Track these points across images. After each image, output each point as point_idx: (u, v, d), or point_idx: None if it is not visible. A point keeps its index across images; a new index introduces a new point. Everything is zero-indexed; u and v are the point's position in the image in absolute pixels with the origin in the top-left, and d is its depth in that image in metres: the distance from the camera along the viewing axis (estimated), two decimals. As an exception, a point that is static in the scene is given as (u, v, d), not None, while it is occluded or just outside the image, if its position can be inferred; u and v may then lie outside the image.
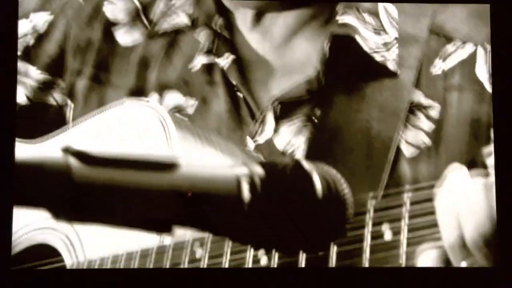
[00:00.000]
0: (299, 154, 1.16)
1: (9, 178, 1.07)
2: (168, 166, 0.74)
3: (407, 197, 0.86)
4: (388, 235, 0.86)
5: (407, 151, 1.16)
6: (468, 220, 0.74)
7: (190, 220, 0.76)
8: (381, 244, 0.86)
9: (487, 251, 0.74)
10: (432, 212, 0.83)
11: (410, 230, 0.85)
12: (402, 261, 0.84)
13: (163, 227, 0.75)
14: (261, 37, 1.24)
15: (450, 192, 0.79)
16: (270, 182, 0.76)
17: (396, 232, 0.86)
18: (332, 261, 0.90)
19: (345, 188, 0.78)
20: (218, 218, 0.75)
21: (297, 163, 0.78)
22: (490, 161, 1.15)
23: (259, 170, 0.77)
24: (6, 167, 1.07)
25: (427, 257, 0.79)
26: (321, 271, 1.09)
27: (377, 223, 0.88)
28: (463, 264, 0.78)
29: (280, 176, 0.77)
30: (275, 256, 0.94)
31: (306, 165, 0.78)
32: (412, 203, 0.86)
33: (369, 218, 0.88)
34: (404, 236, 0.85)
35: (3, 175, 1.08)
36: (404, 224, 0.85)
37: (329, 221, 0.77)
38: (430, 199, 0.84)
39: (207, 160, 1.08)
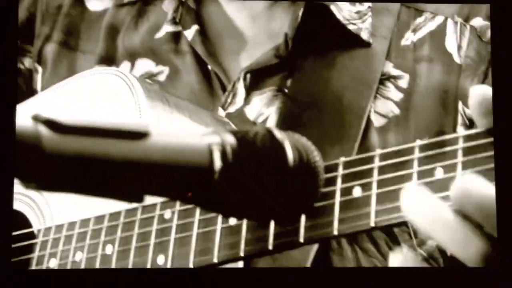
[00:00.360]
0: (270, 124, 1.16)
1: (10, 179, 1.06)
2: (138, 135, 0.73)
3: (377, 157, 0.86)
4: (357, 192, 0.87)
5: (376, 120, 1.16)
6: None
7: (160, 189, 0.76)
8: (351, 201, 0.87)
9: None
10: (403, 167, 0.83)
11: (380, 186, 0.85)
12: (372, 218, 0.84)
13: (133, 196, 0.74)
14: (241, 5, 1.23)
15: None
16: (241, 150, 0.76)
17: (366, 189, 0.86)
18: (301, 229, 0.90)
19: (316, 156, 0.79)
20: (188, 186, 0.75)
21: (269, 132, 0.78)
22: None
23: (230, 139, 0.77)
24: (5, 165, 1.06)
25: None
26: (320, 271, 1.11)
27: (346, 182, 0.88)
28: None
29: (252, 144, 0.77)
30: (245, 222, 0.94)
31: (278, 133, 0.78)
32: (381, 160, 0.86)
33: (338, 177, 0.88)
34: (374, 193, 0.85)
35: (3, 176, 1.07)
36: (374, 181, 0.86)
37: (301, 189, 0.77)
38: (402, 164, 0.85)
39: (178, 128, 1.08)
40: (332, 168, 0.89)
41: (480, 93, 0.78)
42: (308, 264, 1.09)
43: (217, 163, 0.75)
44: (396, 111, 1.17)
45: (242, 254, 0.94)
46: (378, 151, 0.87)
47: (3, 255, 1.03)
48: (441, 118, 1.16)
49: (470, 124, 1.16)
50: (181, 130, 1.01)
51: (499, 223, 0.84)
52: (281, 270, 1.10)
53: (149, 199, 1.03)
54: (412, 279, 1.03)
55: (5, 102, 1.08)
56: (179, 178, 0.75)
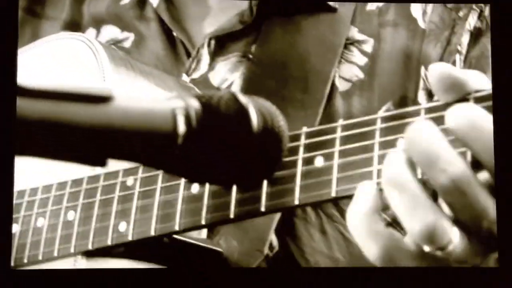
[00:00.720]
0: (235, 89, 1.16)
1: (10, 178, 1.05)
2: (101, 99, 0.73)
3: (340, 126, 0.86)
4: (319, 162, 0.87)
5: (341, 85, 1.16)
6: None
7: (124, 153, 0.75)
8: (312, 171, 0.87)
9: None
10: (366, 137, 0.83)
11: (342, 155, 0.85)
12: (333, 188, 0.85)
13: (96, 160, 0.74)
14: None
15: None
16: (205, 115, 0.76)
17: (328, 159, 0.86)
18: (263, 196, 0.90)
19: (280, 120, 0.79)
20: (152, 150, 0.75)
21: (233, 96, 0.77)
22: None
23: (194, 103, 0.76)
24: (5, 165, 1.05)
25: (364, 187, 0.79)
26: (320, 270, 1.11)
27: (308, 152, 0.88)
28: None
29: (216, 109, 0.76)
30: (207, 190, 0.94)
31: (242, 98, 0.78)
32: (344, 129, 0.86)
33: (300, 146, 0.88)
34: (335, 163, 0.85)
35: (3, 175, 1.05)
36: (336, 151, 0.86)
37: (265, 154, 0.77)
38: (364, 134, 0.85)
39: (142, 93, 1.07)
40: (295, 137, 0.89)
41: (437, 70, 0.77)
42: (271, 231, 1.09)
43: (181, 128, 0.75)
44: (361, 75, 1.17)
45: (203, 222, 0.93)
46: (341, 122, 0.87)
47: (3, 255, 1.03)
48: (404, 82, 1.16)
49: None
50: (145, 95, 1.00)
51: (499, 223, 0.85)
52: (281, 270, 1.11)
53: (112, 165, 1.03)
54: (412, 279, 1.03)
55: (5, 102, 1.06)
56: (142, 142, 0.74)
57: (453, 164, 0.74)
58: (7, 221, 1.03)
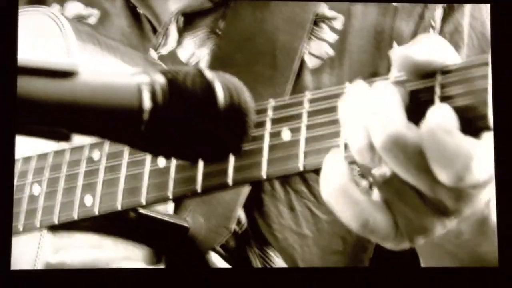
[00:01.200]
0: (203, 65, 1.15)
1: (10, 177, 1.03)
2: (66, 74, 0.72)
3: (307, 99, 0.86)
4: (286, 135, 0.86)
5: (310, 62, 1.16)
6: (374, 122, 0.74)
7: (89, 129, 0.75)
8: (280, 145, 0.87)
9: (397, 152, 0.73)
10: (334, 110, 0.83)
11: (309, 128, 0.85)
12: (300, 161, 0.84)
13: (61, 135, 0.73)
14: None
15: (352, 100, 0.78)
16: (171, 90, 0.75)
17: (295, 132, 0.86)
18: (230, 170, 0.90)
19: (247, 96, 0.78)
20: (117, 126, 0.75)
21: (199, 72, 0.77)
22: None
23: (160, 79, 0.76)
24: (5, 165, 1.03)
25: (332, 159, 0.78)
26: (319, 270, 1.11)
27: (275, 125, 0.87)
28: (375, 171, 0.77)
29: (182, 84, 0.76)
30: (173, 164, 0.94)
31: (208, 73, 0.77)
32: (311, 102, 0.86)
33: (267, 120, 0.88)
34: (303, 135, 0.85)
35: (3, 174, 1.04)
36: (303, 124, 0.85)
37: (231, 130, 0.77)
38: (332, 108, 0.85)
39: (107, 68, 1.06)
40: (261, 111, 0.88)
41: (399, 55, 0.77)
42: (239, 206, 1.09)
43: (147, 103, 0.74)
44: (331, 52, 1.16)
45: (170, 196, 0.93)
46: (308, 95, 0.86)
47: (3, 255, 1.02)
48: (376, 60, 1.16)
49: None
50: (111, 70, 1.00)
51: (499, 223, 0.85)
52: (281, 270, 1.11)
53: (78, 140, 1.03)
54: (412, 279, 1.04)
55: (5, 102, 1.05)
56: (107, 117, 0.74)
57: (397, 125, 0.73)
58: (7, 221, 1.02)
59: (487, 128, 0.74)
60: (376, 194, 0.78)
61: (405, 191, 0.76)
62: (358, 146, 0.75)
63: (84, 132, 0.75)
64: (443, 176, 0.71)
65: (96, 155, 1.00)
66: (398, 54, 0.77)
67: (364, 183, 0.80)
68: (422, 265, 1.06)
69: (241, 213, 1.11)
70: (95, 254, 1.03)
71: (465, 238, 0.87)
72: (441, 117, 0.72)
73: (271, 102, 0.88)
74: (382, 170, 0.76)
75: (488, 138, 0.74)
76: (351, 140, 0.76)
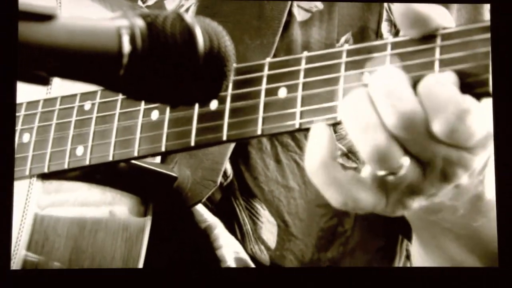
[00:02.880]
0: (190, 14, 1.15)
1: (10, 178, 1.04)
2: (45, 17, 0.72)
3: (304, 59, 0.86)
4: (282, 93, 0.86)
5: (299, 15, 1.15)
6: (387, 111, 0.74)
7: (68, 72, 0.75)
8: (276, 102, 0.87)
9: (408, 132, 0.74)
10: (330, 69, 0.83)
11: (305, 86, 0.85)
12: (297, 119, 0.84)
13: (39, 79, 0.73)
14: None
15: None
16: (151, 34, 0.75)
17: (291, 90, 0.86)
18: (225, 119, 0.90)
19: (227, 40, 0.78)
20: (97, 69, 0.75)
21: (179, 16, 0.77)
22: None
23: (139, 23, 0.76)
24: (5, 165, 1.04)
25: (318, 132, 0.79)
26: (318, 270, 1.11)
27: (272, 82, 0.87)
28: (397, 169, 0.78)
29: (162, 28, 0.76)
30: (167, 110, 0.94)
31: (188, 18, 0.77)
32: (308, 62, 0.86)
33: (264, 77, 0.88)
34: (299, 94, 0.85)
35: (3, 175, 1.05)
36: (300, 83, 0.85)
37: (211, 74, 0.77)
38: (328, 66, 0.84)
39: (86, 12, 1.06)
40: (258, 68, 0.88)
41: (401, 7, 0.77)
42: (226, 160, 1.09)
43: (126, 47, 0.74)
44: (320, 5, 1.16)
45: (163, 149, 0.93)
46: (305, 54, 0.86)
47: (3, 255, 1.03)
48: (365, 13, 1.15)
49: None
50: (90, 14, 0.99)
51: (499, 223, 0.85)
52: (280, 270, 1.11)
53: (68, 88, 1.03)
54: (412, 279, 1.04)
55: (5, 102, 1.06)
56: (86, 61, 0.74)
57: (405, 101, 0.74)
58: (7, 221, 1.03)
59: (487, 94, 0.74)
60: (365, 172, 0.78)
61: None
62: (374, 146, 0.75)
63: (63, 75, 0.75)
64: (437, 125, 0.72)
65: (87, 105, 1.01)
66: (399, 6, 0.77)
67: (350, 163, 0.80)
68: (414, 241, 1.06)
69: (227, 165, 1.11)
70: (81, 211, 1.03)
71: (460, 214, 0.88)
72: (437, 74, 0.73)
73: (268, 59, 0.88)
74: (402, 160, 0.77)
75: (487, 103, 0.75)
76: (363, 143, 0.76)
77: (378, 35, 1.14)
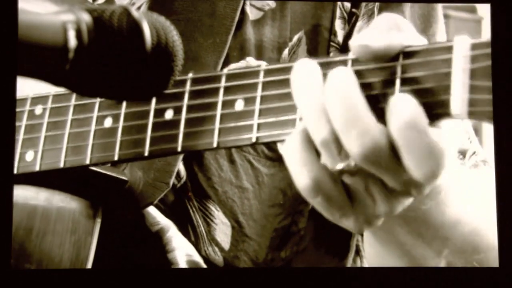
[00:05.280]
0: (143, 11, 1.13)
1: (10, 179, 1.01)
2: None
3: (263, 70, 0.84)
4: (239, 105, 0.85)
5: (252, 13, 1.14)
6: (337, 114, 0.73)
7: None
8: (232, 114, 0.85)
9: (366, 151, 0.73)
10: (289, 83, 0.81)
11: (263, 100, 0.84)
12: (254, 133, 0.83)
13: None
14: None
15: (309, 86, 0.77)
16: (97, 29, 0.74)
17: (249, 102, 0.84)
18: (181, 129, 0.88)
19: (174, 35, 0.77)
20: (42, 64, 0.73)
21: (126, 11, 0.76)
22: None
23: (86, 17, 0.74)
24: (5, 165, 1.01)
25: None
26: (318, 270, 1.10)
27: (229, 94, 0.86)
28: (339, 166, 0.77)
29: (108, 23, 0.75)
30: (121, 118, 0.92)
31: (135, 13, 0.76)
32: (267, 74, 0.84)
33: (221, 88, 0.86)
34: (257, 108, 0.84)
35: (3, 175, 1.02)
36: (258, 96, 0.84)
37: (157, 69, 0.76)
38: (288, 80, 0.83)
39: (31, 6, 1.04)
40: (215, 79, 0.87)
41: (356, 45, 0.76)
42: (179, 161, 1.08)
43: (72, 41, 0.73)
44: (272, 4, 1.15)
45: (116, 158, 0.91)
46: (264, 66, 0.84)
47: (3, 255, 1.00)
48: (318, 11, 1.14)
49: (349, 17, 1.14)
50: (35, 8, 0.97)
51: (499, 223, 0.84)
52: (281, 270, 1.10)
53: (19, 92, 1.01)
54: (412, 279, 1.03)
55: (5, 102, 1.03)
56: (31, 56, 0.72)
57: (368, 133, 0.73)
58: (7, 221, 1.00)
59: (447, 115, 0.73)
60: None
61: (369, 181, 0.76)
62: (322, 138, 0.74)
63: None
64: (418, 174, 0.72)
65: (38, 109, 0.98)
66: (355, 44, 0.76)
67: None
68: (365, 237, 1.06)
69: (180, 167, 1.09)
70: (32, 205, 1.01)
71: (425, 208, 0.88)
72: (409, 114, 0.71)
73: (225, 70, 0.87)
74: (347, 163, 0.75)
75: (447, 126, 0.74)
76: (313, 133, 0.75)
77: (332, 33, 1.13)
